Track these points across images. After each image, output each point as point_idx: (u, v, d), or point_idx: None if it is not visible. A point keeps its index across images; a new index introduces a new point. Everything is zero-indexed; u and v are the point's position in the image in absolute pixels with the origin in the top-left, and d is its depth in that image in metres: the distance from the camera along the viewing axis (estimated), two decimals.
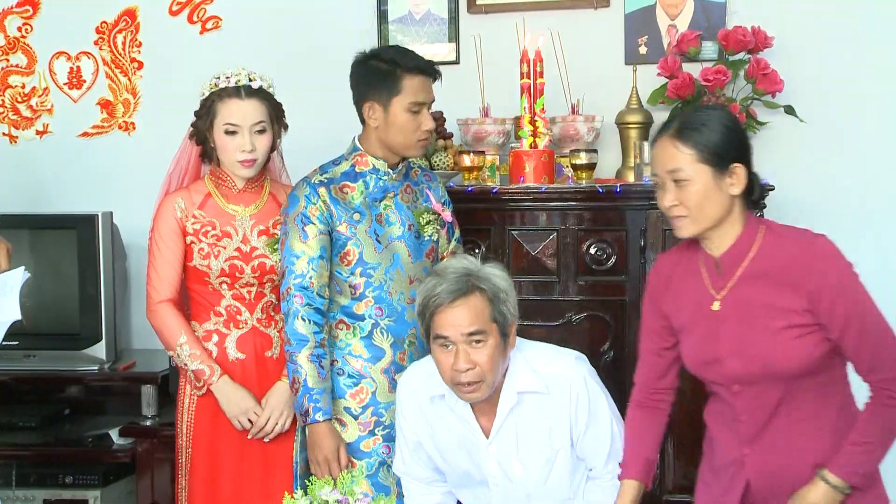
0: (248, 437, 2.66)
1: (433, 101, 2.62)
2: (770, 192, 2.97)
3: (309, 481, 1.93)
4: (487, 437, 2.35)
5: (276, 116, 2.72)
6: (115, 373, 3.44)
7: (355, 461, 2.60)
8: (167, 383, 3.31)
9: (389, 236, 2.62)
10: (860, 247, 3.39)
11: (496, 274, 2.31)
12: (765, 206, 2.96)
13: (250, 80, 2.67)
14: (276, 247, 2.68)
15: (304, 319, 2.53)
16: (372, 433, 2.61)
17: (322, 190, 2.58)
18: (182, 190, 2.73)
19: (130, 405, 3.41)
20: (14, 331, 3.39)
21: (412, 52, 2.65)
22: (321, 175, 2.63)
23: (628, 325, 3.02)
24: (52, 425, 3.46)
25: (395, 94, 2.55)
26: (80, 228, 3.41)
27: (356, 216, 2.59)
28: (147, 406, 3.35)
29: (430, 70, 2.60)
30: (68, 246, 3.43)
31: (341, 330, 2.63)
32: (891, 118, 3.39)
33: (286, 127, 2.77)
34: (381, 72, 2.56)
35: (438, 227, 2.71)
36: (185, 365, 2.65)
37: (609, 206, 3.06)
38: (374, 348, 2.60)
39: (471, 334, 2.22)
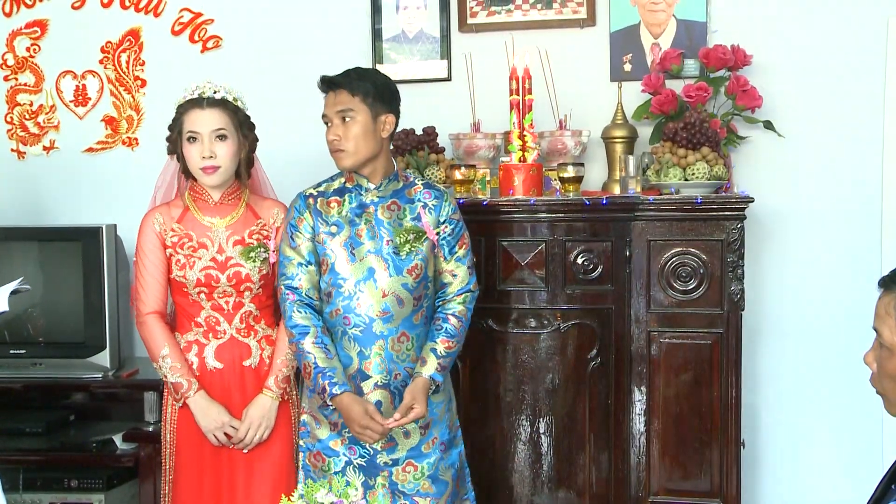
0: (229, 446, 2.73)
1: (338, 111, 2.63)
2: (750, 204, 3.05)
3: (305, 485, 1.99)
4: None
5: (240, 125, 2.76)
6: (118, 380, 3.47)
7: (325, 458, 2.70)
8: None
9: (366, 251, 2.66)
10: (834, 257, 3.54)
11: None
12: (745, 218, 3.05)
13: (214, 91, 2.73)
14: (250, 255, 2.76)
15: (300, 311, 2.64)
16: (339, 434, 2.68)
17: (310, 201, 2.70)
18: (161, 206, 2.80)
19: (133, 411, 3.46)
20: (21, 339, 3.52)
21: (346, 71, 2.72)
22: (315, 188, 2.74)
23: (614, 331, 3.10)
24: (57, 431, 3.49)
25: None
26: (85, 241, 3.44)
27: (334, 228, 2.67)
28: (149, 412, 3.41)
29: (323, 86, 2.68)
30: (73, 258, 3.46)
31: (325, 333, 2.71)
32: (865, 132, 3.46)
33: (256, 138, 2.82)
34: None
35: (420, 247, 2.69)
36: (166, 377, 2.72)
37: (595, 218, 3.10)
38: (344, 354, 2.66)
39: None
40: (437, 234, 2.72)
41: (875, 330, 1.85)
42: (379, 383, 2.65)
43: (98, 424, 3.56)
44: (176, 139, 2.75)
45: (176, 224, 2.75)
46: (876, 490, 1.91)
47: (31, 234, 3.56)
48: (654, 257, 3.09)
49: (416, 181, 2.79)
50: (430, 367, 2.67)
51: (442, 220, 2.73)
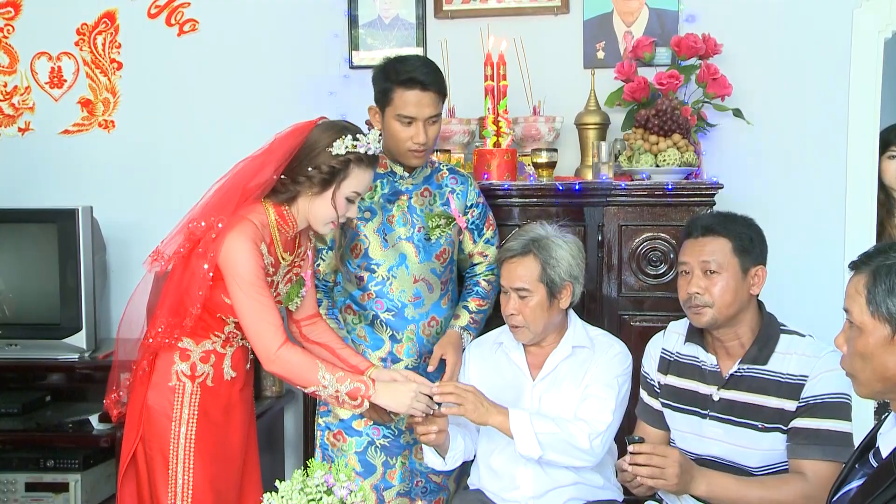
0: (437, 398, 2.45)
1: (431, 115, 2.65)
2: (719, 191, 3.09)
3: (307, 464, 2.02)
4: (534, 380, 2.62)
5: None
6: (94, 361, 3.46)
7: (346, 437, 2.75)
8: None
9: (397, 237, 2.72)
10: (799, 242, 3.59)
11: (559, 244, 2.57)
12: (714, 204, 3.11)
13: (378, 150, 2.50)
14: (293, 298, 2.59)
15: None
16: (362, 415, 2.71)
17: None
18: (254, 230, 2.40)
19: None
20: None
21: (414, 62, 2.65)
22: None
23: (586, 314, 3.15)
24: (33, 411, 3.48)
25: (387, 106, 2.66)
26: (61, 222, 3.43)
27: (367, 214, 2.71)
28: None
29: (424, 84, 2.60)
30: (50, 239, 3.45)
31: (349, 314, 2.78)
32: (831, 121, 3.52)
33: None
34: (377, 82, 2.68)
35: (449, 232, 2.79)
36: (337, 391, 2.38)
37: (569, 203, 3.14)
38: (375, 337, 2.75)
39: (518, 289, 2.55)
40: (466, 219, 2.83)
41: (846, 310, 1.86)
42: (410, 366, 2.73)
43: (74, 405, 3.55)
44: (323, 181, 2.43)
45: (269, 257, 2.45)
46: (843, 469, 1.94)
47: (7, 216, 3.54)
48: (625, 242, 3.14)
49: (442, 166, 2.86)
50: (462, 320, 2.80)
51: (469, 204, 2.84)
